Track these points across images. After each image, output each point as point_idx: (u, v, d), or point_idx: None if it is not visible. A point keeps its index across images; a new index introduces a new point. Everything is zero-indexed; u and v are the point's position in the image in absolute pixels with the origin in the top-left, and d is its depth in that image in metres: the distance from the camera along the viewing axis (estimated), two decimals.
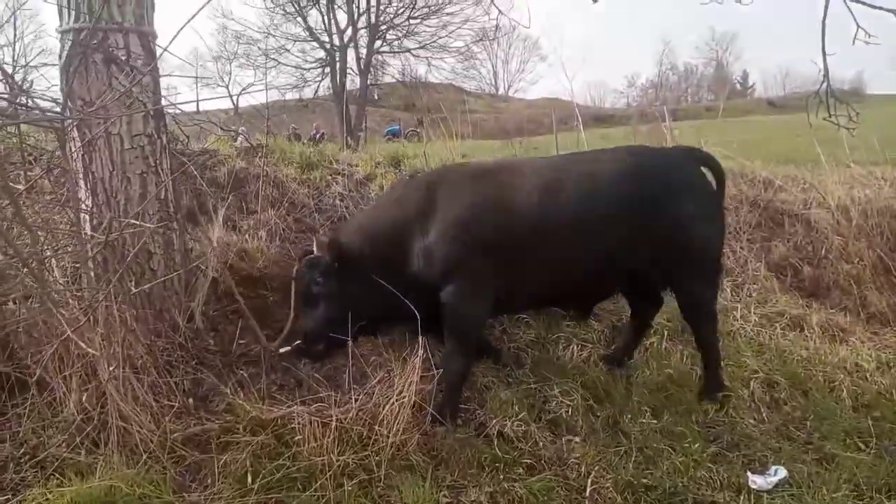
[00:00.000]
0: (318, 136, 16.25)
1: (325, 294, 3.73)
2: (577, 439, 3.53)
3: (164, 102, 3.70)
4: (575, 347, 4.36)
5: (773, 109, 40.13)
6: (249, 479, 2.93)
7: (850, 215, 6.39)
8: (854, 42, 4.21)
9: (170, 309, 3.57)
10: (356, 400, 3.29)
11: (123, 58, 3.41)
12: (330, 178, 5.58)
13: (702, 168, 4.03)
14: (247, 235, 4.39)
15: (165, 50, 3.23)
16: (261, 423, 3.14)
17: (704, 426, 3.79)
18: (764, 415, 3.99)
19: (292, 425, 3.13)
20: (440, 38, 32.31)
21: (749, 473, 3.33)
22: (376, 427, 3.22)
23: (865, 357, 4.74)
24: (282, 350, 3.67)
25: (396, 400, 3.28)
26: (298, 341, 3.70)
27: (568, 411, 3.75)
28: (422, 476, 3.09)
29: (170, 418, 3.12)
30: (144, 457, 2.94)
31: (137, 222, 3.30)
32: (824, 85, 4.55)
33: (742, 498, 3.17)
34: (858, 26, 4.15)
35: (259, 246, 4.27)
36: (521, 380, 4.03)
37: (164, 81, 3.84)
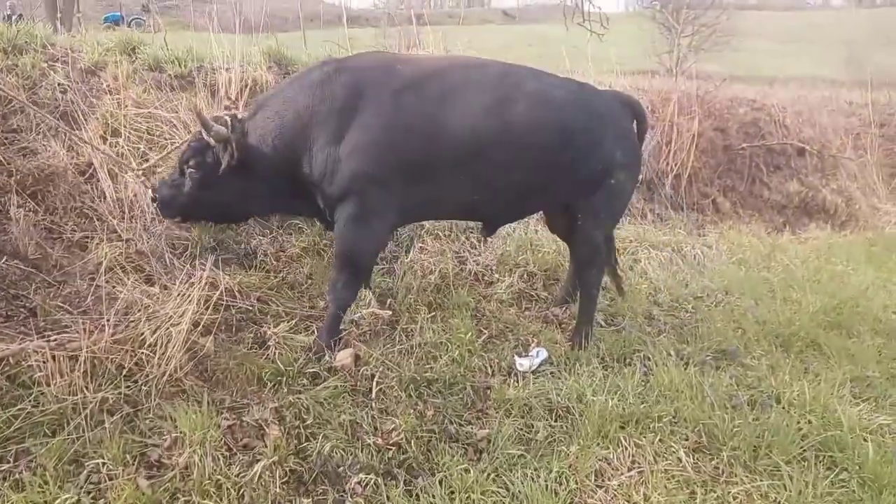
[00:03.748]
0: (13, 17, 13.18)
1: (199, 183, 3.38)
2: (362, 343, 3.51)
3: None
4: None
5: (508, 20, 42.54)
6: None
7: None
8: None
9: None
10: (112, 326, 2.85)
11: None
12: (46, 65, 4.58)
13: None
14: None
15: None
16: None
17: (475, 318, 4.01)
18: (523, 303, 4.34)
19: (30, 363, 2.62)
20: None
21: (516, 357, 3.61)
22: (142, 354, 2.85)
23: None
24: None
25: (171, 326, 2.93)
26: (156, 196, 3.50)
27: None
28: (196, 401, 2.82)
29: None
30: None
31: None
32: None
33: (511, 379, 3.43)
34: None
35: None
36: (300, 291, 3.85)
37: None
